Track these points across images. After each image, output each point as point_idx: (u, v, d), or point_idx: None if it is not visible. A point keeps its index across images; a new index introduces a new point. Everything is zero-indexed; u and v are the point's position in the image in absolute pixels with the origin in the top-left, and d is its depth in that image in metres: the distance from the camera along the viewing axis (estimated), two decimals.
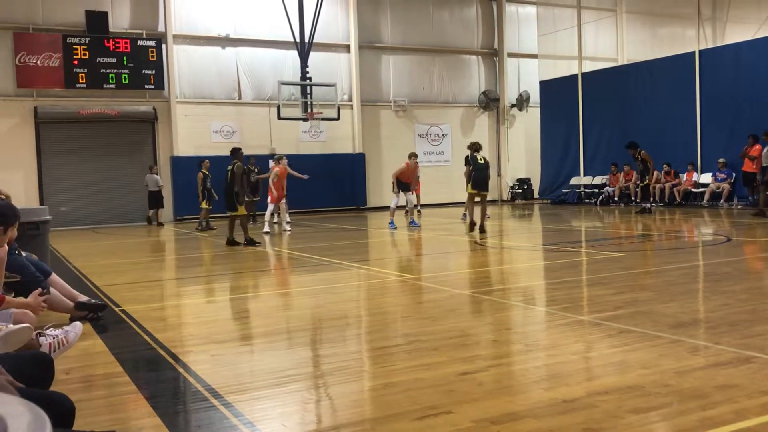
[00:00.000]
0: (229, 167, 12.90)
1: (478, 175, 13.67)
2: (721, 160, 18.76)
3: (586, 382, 3.96)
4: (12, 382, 2.42)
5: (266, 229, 15.40)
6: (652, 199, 18.93)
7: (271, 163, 18.13)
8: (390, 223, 15.69)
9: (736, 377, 3.86)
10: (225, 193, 12.97)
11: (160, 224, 20.10)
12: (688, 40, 21.93)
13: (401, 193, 15.91)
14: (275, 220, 17.27)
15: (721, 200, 18.68)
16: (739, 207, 18.06)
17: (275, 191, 15.60)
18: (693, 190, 19.78)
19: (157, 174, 20.29)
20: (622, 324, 5.26)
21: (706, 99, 19.61)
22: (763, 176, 15.41)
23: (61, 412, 2.32)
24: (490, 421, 3.33)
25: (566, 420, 3.32)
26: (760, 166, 15.66)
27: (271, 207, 15.83)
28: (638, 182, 18.59)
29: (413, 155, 16.15)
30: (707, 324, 5.32)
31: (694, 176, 19.89)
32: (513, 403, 3.62)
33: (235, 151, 13.17)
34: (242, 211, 12.88)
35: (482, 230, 13.44)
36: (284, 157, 16.39)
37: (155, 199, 20.11)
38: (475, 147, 13.90)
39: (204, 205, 17.21)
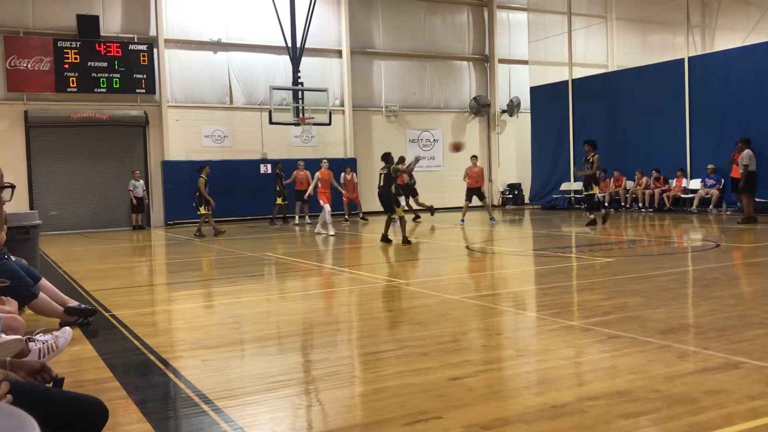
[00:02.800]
0: (382, 171, 13.19)
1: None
2: (710, 166, 18.88)
3: (576, 388, 3.98)
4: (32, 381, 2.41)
5: (331, 231, 15.78)
6: (605, 207, 17.97)
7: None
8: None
9: (724, 382, 3.89)
10: (381, 196, 13.25)
11: (141, 227, 20.74)
12: (677, 47, 22.06)
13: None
14: (295, 221, 19.80)
15: (710, 206, 18.80)
16: (728, 213, 18.17)
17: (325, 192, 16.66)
18: (682, 196, 19.88)
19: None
20: (611, 329, 5.29)
21: (696, 105, 19.74)
22: (746, 182, 15.49)
23: (93, 416, 2.31)
24: (481, 426, 3.34)
25: (556, 425, 3.34)
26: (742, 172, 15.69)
27: (327, 208, 16.14)
28: (584, 189, 16.80)
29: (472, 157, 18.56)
30: (696, 329, 5.35)
31: (684, 182, 20.01)
32: (503, 408, 3.64)
33: (387, 156, 13.33)
34: (399, 212, 13.13)
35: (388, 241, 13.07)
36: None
37: (140, 205, 20.67)
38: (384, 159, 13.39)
39: (203, 210, 16.80)
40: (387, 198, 13.06)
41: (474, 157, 18.69)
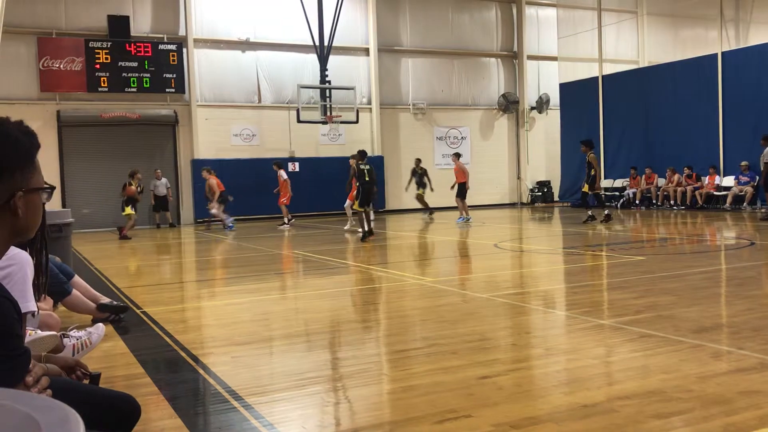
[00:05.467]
0: (367, 167, 13.66)
1: (366, 189, 13.64)
2: (744, 162, 18.55)
3: (607, 387, 3.93)
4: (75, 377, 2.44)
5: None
6: (610, 202, 18.02)
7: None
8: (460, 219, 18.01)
9: (759, 383, 3.81)
10: (372, 191, 13.77)
11: (173, 225, 21.02)
12: (710, 41, 21.71)
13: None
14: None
15: (744, 203, 18.47)
16: (762, 210, 17.84)
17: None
18: (715, 193, 19.56)
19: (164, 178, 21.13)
20: (643, 328, 5.22)
21: (729, 101, 19.41)
22: (766, 179, 15.16)
23: (127, 412, 2.34)
24: (510, 425, 3.32)
25: (587, 425, 3.30)
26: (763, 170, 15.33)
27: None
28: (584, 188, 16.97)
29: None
30: (730, 329, 5.26)
31: (717, 179, 19.68)
32: (533, 407, 3.61)
33: (365, 153, 14.26)
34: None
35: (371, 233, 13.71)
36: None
37: (163, 203, 20.77)
38: (361, 156, 14.12)
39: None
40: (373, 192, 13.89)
41: (455, 155, 19.10)
